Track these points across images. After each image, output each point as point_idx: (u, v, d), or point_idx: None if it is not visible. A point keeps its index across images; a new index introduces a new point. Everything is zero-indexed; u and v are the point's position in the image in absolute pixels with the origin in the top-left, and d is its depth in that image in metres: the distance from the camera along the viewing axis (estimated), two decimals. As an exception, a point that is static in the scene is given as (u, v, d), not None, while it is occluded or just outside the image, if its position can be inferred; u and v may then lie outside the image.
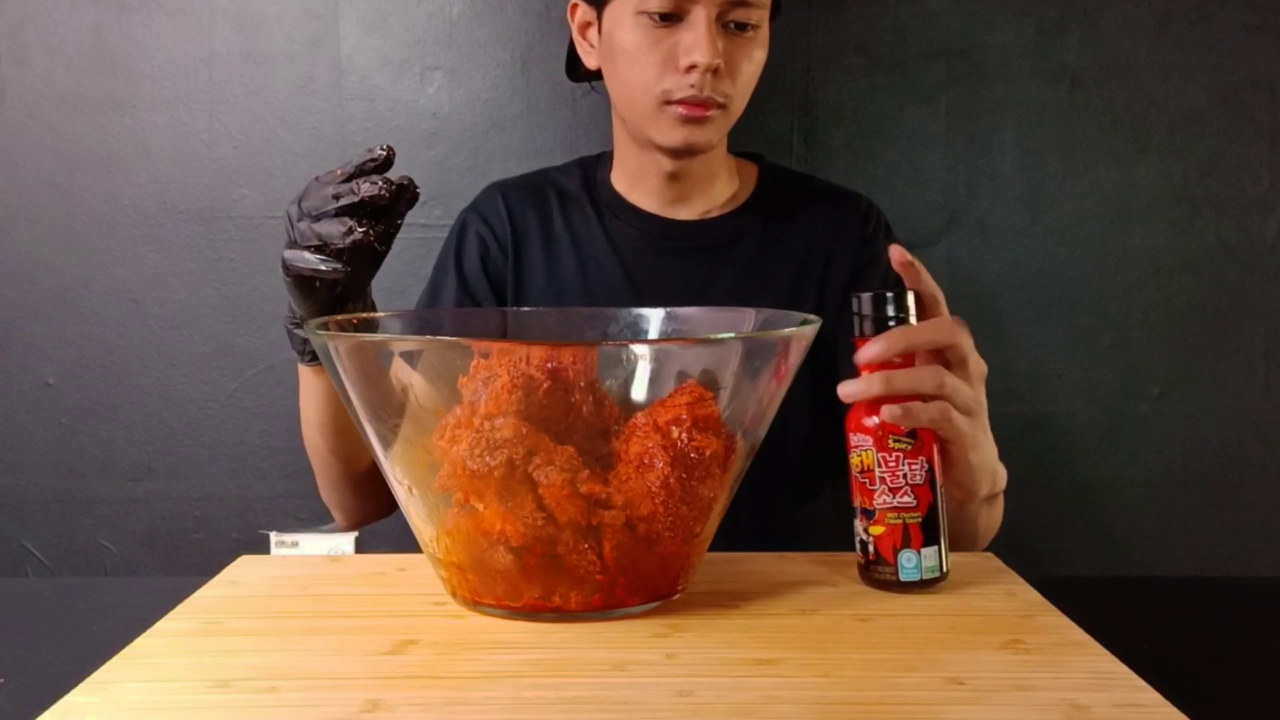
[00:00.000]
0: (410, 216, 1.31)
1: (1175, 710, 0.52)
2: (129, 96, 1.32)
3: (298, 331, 0.83)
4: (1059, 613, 0.66)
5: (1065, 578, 1.06)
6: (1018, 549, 0.86)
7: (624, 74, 0.97)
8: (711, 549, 0.71)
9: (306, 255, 0.74)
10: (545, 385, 0.63)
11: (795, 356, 0.68)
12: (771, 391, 0.68)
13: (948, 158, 1.32)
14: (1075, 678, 0.57)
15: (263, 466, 1.36)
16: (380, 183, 0.72)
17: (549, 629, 0.64)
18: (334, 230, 0.73)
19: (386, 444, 0.67)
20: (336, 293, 0.79)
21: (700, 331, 0.80)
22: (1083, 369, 1.34)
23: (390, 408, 0.66)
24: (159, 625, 0.65)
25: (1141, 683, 0.56)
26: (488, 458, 0.62)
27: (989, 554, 0.79)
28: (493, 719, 0.53)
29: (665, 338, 0.79)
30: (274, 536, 1.35)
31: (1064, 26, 1.31)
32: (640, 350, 0.69)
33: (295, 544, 1.33)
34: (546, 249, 1.07)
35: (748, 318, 0.78)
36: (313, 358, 0.86)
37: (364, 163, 0.74)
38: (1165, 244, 1.33)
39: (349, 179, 0.74)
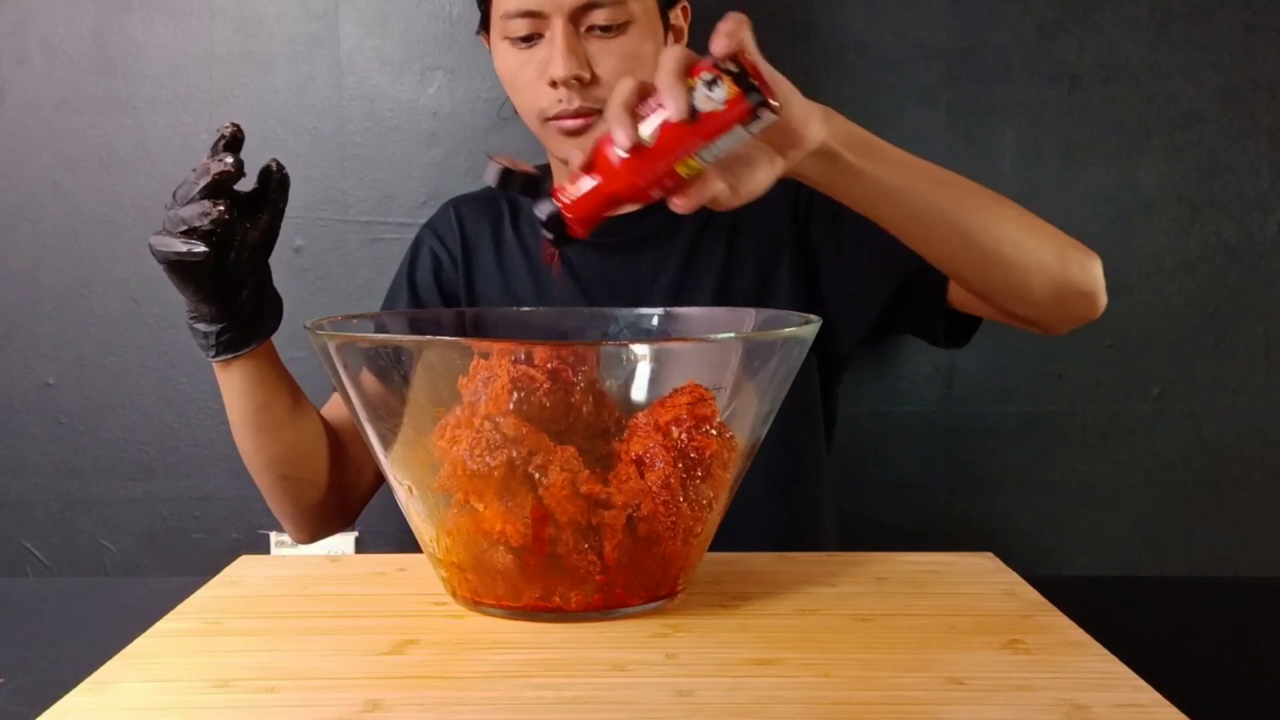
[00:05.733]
0: (407, 217, 1.34)
1: (1175, 710, 0.52)
2: (129, 96, 1.32)
3: (198, 326, 0.82)
4: (1059, 613, 0.66)
5: (1065, 578, 1.06)
6: (1018, 549, 0.86)
7: (511, 98, 1.00)
8: (711, 549, 0.71)
9: (168, 239, 0.75)
10: (545, 385, 0.63)
11: (795, 356, 0.68)
12: (772, 391, 0.68)
13: (948, 158, 1.31)
14: (1075, 678, 0.57)
15: (263, 466, 1.36)
16: (228, 160, 0.74)
17: (549, 629, 0.64)
18: (193, 213, 0.74)
19: (386, 444, 0.67)
20: (221, 281, 0.78)
21: (700, 331, 0.80)
22: (1083, 369, 1.34)
23: (390, 408, 0.66)
24: (159, 625, 0.65)
25: (1141, 683, 0.56)
26: (488, 458, 0.62)
27: (989, 554, 0.79)
28: (493, 719, 0.53)
29: (665, 338, 0.79)
30: (274, 536, 1.36)
31: (1064, 26, 1.31)
32: (640, 350, 0.69)
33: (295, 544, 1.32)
34: (499, 258, 1.08)
35: (748, 318, 0.78)
36: (216, 353, 0.83)
37: (216, 142, 0.76)
38: (1165, 244, 1.33)
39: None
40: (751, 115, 0.65)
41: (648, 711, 0.53)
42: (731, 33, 0.66)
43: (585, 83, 0.93)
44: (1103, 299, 0.89)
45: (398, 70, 1.32)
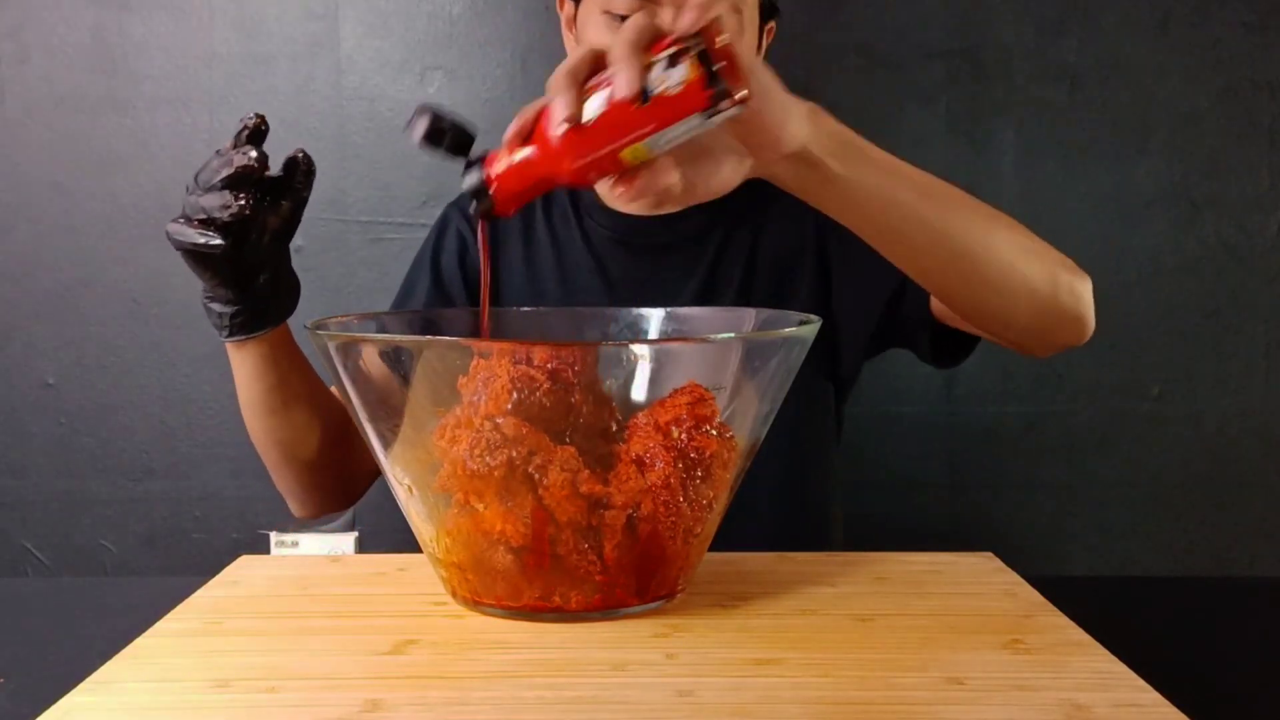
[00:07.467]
0: (409, 216, 1.34)
1: (1175, 710, 0.52)
2: (129, 96, 1.32)
3: (213, 306, 0.81)
4: (1059, 613, 0.66)
5: (1065, 578, 1.06)
6: (1018, 549, 0.86)
7: None
8: (711, 549, 0.71)
9: (185, 229, 0.73)
10: (545, 385, 0.63)
11: (795, 356, 0.68)
12: (772, 391, 0.68)
13: (948, 158, 1.32)
14: (1075, 678, 0.57)
15: (262, 466, 1.35)
16: (252, 154, 0.71)
17: (549, 629, 0.64)
18: (213, 203, 0.72)
19: (386, 444, 0.67)
20: (240, 266, 0.77)
21: (700, 331, 0.80)
22: (1083, 369, 1.34)
23: (390, 408, 0.66)
24: (159, 625, 0.65)
25: (1141, 683, 0.56)
26: (488, 458, 0.62)
27: (989, 554, 0.79)
28: (493, 719, 0.53)
29: (665, 338, 0.79)
30: (274, 536, 1.36)
31: (1064, 26, 1.31)
32: (640, 350, 0.69)
33: (295, 544, 1.33)
34: (526, 249, 1.06)
35: (748, 318, 0.78)
36: (231, 333, 0.82)
37: (239, 132, 0.73)
38: (1165, 244, 1.33)
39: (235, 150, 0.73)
40: (711, 104, 0.58)
41: (648, 711, 0.53)
42: (703, 5, 0.58)
43: None
44: (1090, 324, 0.85)
45: (398, 70, 1.32)
